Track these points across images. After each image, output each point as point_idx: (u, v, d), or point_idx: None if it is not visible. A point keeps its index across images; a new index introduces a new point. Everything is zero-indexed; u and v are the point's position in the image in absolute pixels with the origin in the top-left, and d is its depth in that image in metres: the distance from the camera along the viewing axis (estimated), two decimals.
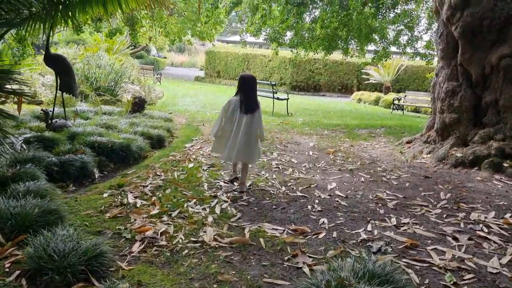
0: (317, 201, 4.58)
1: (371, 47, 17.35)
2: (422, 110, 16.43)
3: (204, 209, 4.18)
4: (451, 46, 6.52)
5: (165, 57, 39.60)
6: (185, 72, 35.73)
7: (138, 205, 4.15)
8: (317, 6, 13.27)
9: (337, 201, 4.60)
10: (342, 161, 6.51)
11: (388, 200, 4.68)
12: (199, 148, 7.15)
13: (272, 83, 12.84)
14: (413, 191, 5.09)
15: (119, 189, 4.63)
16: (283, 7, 14.21)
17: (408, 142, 7.33)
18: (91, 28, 12.85)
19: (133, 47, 30.45)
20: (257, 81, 5.29)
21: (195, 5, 21.00)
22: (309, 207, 4.38)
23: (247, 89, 4.90)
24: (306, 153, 7.01)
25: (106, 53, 16.44)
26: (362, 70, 22.05)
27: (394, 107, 16.10)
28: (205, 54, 30.20)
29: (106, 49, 16.25)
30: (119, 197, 4.36)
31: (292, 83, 24.14)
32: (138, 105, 9.47)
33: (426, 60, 15.57)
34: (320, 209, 4.32)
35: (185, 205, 4.22)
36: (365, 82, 22.08)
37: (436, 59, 13.99)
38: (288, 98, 13.12)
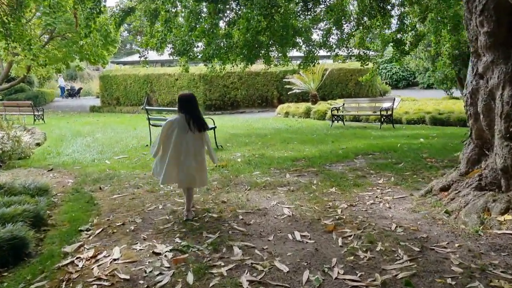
0: None
1: (294, 52, 15.03)
2: (362, 119, 14.35)
3: None
4: (506, 25, 3.97)
5: (52, 88, 34.33)
6: (79, 102, 30.99)
7: None
8: (238, 2, 10.39)
9: None
10: (366, 252, 3.63)
11: None
12: (93, 257, 3.84)
13: None
14: None
15: None
16: (189, 12, 11.18)
17: (443, 190, 4.65)
18: None
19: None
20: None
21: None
22: None
23: (190, 107, 4.83)
24: (291, 238, 4.03)
25: None
26: (284, 80, 19.73)
27: (334, 119, 13.80)
28: (99, 80, 26.01)
29: None
30: None
31: (206, 102, 21.11)
32: None
33: (362, 61, 13.54)
34: None
35: None
36: (289, 93, 19.77)
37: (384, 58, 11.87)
38: (216, 127, 10.07)
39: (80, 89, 36.14)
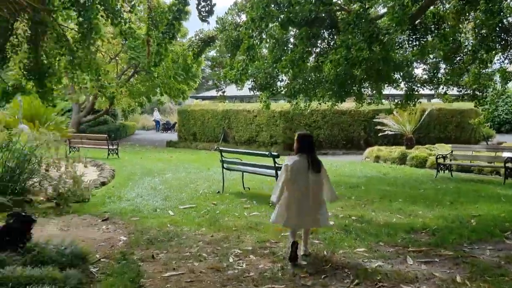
0: None
1: (390, 90, 13.07)
2: (474, 170, 11.82)
3: None
4: None
5: (134, 122, 34.92)
6: (158, 136, 30.98)
7: None
8: (335, 26, 8.77)
9: None
10: None
11: None
12: None
13: (273, 154, 8.06)
14: None
15: None
16: (274, 41, 9.78)
17: None
18: None
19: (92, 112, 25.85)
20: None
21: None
22: None
23: (309, 147, 4.92)
24: None
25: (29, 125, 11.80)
26: (375, 120, 17.64)
27: (440, 168, 11.47)
28: (177, 114, 25.65)
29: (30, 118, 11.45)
30: None
31: (285, 141, 19.58)
32: (14, 232, 4.50)
33: (477, 100, 11.23)
34: None
35: None
36: (379, 134, 17.61)
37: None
38: None
39: (175, 123, 36.03)
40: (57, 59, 7.94)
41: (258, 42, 8.45)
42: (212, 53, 30.79)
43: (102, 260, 4.91)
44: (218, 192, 9.11)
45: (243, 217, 7.04)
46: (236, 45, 9.99)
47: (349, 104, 17.03)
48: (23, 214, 4.65)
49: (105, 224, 6.57)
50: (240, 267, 4.69)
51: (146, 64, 9.40)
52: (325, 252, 5.15)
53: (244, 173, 9.40)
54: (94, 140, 16.96)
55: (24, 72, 7.26)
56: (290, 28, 9.38)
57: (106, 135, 17.29)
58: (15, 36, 7.36)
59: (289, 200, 4.82)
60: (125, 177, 11.15)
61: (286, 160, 4.96)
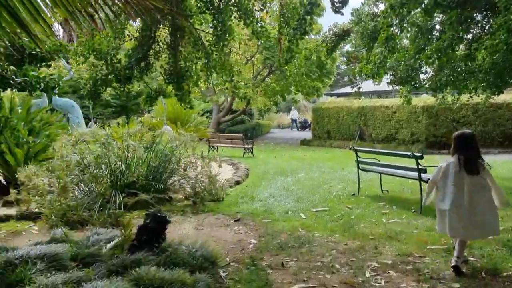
0: None
1: None
2: None
3: None
4: None
5: (269, 120, 35.78)
6: (293, 134, 31.19)
7: None
8: (495, 7, 7.52)
9: None
10: None
11: None
12: None
13: (416, 154, 7.19)
14: None
15: None
16: (417, 30, 8.81)
17: None
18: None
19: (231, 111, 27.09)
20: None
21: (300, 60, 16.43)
22: None
23: (463, 146, 4.50)
24: None
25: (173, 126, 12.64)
26: None
27: None
28: (311, 112, 25.41)
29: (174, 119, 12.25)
30: None
31: (428, 139, 17.91)
32: (151, 232, 4.64)
33: None
34: None
35: None
36: None
37: None
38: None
39: None
40: (194, 62, 8.23)
41: (398, 32, 7.65)
42: (347, 47, 29.86)
43: (231, 264, 4.81)
44: (353, 194, 8.54)
45: (381, 224, 6.40)
46: (373, 37, 9.28)
47: (506, 96, 14.81)
48: (159, 214, 4.75)
49: (237, 225, 6.54)
50: (378, 284, 4.15)
51: (277, 62, 9.22)
52: (483, 273, 4.30)
53: (382, 174, 8.66)
54: (230, 140, 17.61)
55: (165, 76, 7.65)
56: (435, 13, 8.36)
57: (241, 135, 17.83)
58: (156, 43, 7.80)
59: (445, 205, 4.50)
60: (258, 176, 11.23)
61: (442, 162, 4.72)
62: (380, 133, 19.96)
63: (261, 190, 9.16)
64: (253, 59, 24.60)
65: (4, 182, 8.44)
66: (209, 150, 16.70)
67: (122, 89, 8.07)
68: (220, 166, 8.31)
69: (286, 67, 8.45)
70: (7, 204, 7.47)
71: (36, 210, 6.71)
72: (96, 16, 2.82)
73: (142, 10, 2.89)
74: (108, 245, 4.60)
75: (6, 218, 6.62)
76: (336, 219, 6.72)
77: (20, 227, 6.39)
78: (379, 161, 8.68)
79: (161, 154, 8.00)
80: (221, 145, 17.69)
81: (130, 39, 8.26)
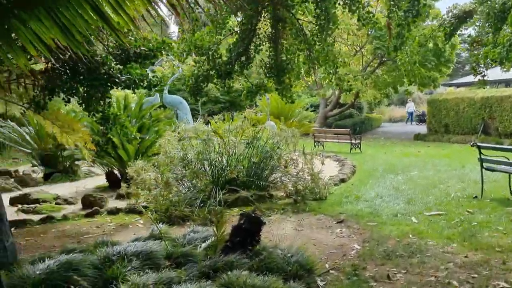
0: None
1: None
2: None
3: None
4: None
5: (380, 114, 34.06)
6: (407, 128, 29.25)
7: None
8: None
9: None
10: None
11: None
12: None
13: None
14: None
15: None
16: None
17: None
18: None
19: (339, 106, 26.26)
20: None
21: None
22: None
23: None
24: None
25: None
26: None
27: None
28: (427, 104, 23.51)
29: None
30: None
31: None
32: (245, 233, 4.43)
33: None
34: None
35: None
36: None
37: None
38: None
39: None
40: (296, 54, 7.91)
41: None
42: (470, 31, 27.00)
43: (330, 272, 4.40)
44: (475, 197, 7.50)
45: (510, 233, 5.45)
46: (502, 17, 8.03)
47: None
48: (253, 215, 4.53)
49: (339, 227, 6.09)
50: None
51: (386, 50, 8.47)
52: None
53: (511, 175, 7.48)
54: (337, 134, 16.97)
55: (265, 70, 7.45)
56: None
57: (348, 129, 17.09)
58: (257, 36, 7.63)
59: None
60: (365, 174, 10.54)
61: None
62: (508, 126, 17.62)
63: (368, 189, 8.52)
64: (363, 50, 23.50)
65: (119, 175, 9.04)
66: (314, 146, 16.26)
67: (223, 85, 8.06)
68: (322, 163, 7.87)
69: (397, 56, 7.68)
70: (120, 197, 7.96)
71: (144, 204, 7.00)
72: (177, 3, 2.63)
73: (243, 3, 2.65)
74: (203, 245, 4.51)
75: (116, 211, 7.02)
76: (454, 225, 5.90)
77: (128, 220, 6.70)
78: (507, 159, 7.51)
79: (262, 150, 7.84)
80: (327, 140, 17.14)
81: (231, 34, 8.23)
